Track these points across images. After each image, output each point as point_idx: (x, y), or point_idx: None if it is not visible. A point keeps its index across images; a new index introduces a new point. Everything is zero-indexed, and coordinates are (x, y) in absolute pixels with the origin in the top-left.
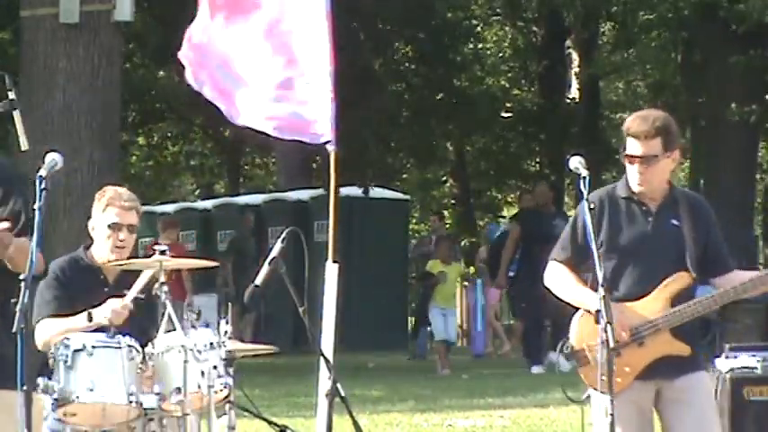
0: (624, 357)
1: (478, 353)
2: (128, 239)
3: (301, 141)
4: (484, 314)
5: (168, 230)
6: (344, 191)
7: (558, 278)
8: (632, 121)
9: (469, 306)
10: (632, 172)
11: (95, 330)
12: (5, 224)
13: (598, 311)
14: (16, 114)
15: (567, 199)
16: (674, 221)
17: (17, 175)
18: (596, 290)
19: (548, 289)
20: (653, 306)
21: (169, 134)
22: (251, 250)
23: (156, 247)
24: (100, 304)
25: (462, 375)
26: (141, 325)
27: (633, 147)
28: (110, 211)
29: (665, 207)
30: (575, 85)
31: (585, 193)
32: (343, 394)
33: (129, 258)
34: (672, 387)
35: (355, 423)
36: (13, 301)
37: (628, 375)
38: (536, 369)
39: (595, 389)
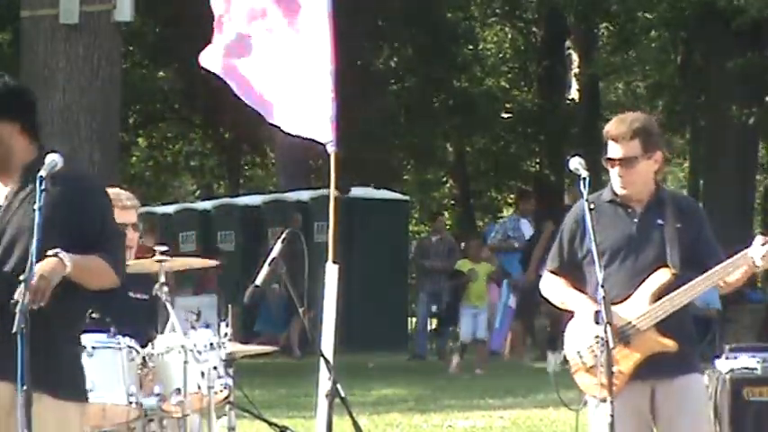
0: (614, 359)
1: (495, 349)
2: (133, 238)
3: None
4: (506, 312)
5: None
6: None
7: (550, 286)
8: (611, 124)
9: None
10: (613, 175)
11: (96, 331)
12: (51, 261)
13: (597, 312)
14: None
15: (566, 200)
16: (660, 221)
17: (88, 188)
18: (591, 292)
19: (545, 298)
20: (636, 305)
21: (169, 134)
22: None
23: (157, 248)
24: (105, 302)
25: (464, 376)
26: (141, 325)
27: (613, 149)
28: None
29: (651, 208)
30: (574, 85)
31: (585, 193)
32: (343, 395)
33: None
34: (665, 388)
35: (355, 423)
36: (12, 301)
37: (621, 377)
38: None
39: (590, 394)
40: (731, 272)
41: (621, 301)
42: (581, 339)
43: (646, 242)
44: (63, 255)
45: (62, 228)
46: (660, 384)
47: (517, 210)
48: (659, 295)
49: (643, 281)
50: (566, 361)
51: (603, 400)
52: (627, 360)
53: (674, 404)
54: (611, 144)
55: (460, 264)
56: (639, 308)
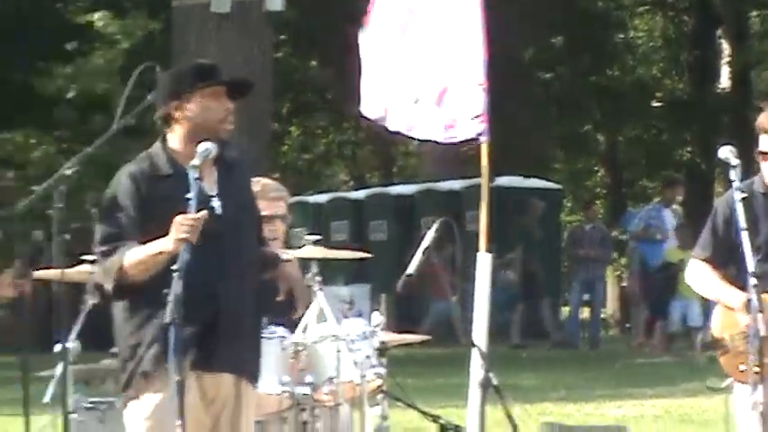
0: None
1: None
2: (279, 229)
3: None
4: None
5: None
6: (497, 180)
7: (700, 277)
8: (764, 116)
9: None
10: (765, 168)
11: None
12: None
13: (749, 300)
14: None
15: (717, 188)
16: None
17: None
18: (744, 282)
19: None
20: None
21: (322, 123)
22: (538, 238)
23: (308, 237)
24: None
25: (615, 365)
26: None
27: (765, 143)
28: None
29: None
30: (726, 74)
31: (736, 182)
32: (495, 384)
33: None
34: None
35: (508, 413)
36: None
37: None
38: None
39: (738, 380)
40: None
41: None
42: (733, 323)
43: None
44: None
45: None
46: None
47: (663, 198)
48: None
49: None
50: (713, 341)
51: (755, 386)
52: None
53: None
54: (764, 137)
55: (669, 254)
56: None
